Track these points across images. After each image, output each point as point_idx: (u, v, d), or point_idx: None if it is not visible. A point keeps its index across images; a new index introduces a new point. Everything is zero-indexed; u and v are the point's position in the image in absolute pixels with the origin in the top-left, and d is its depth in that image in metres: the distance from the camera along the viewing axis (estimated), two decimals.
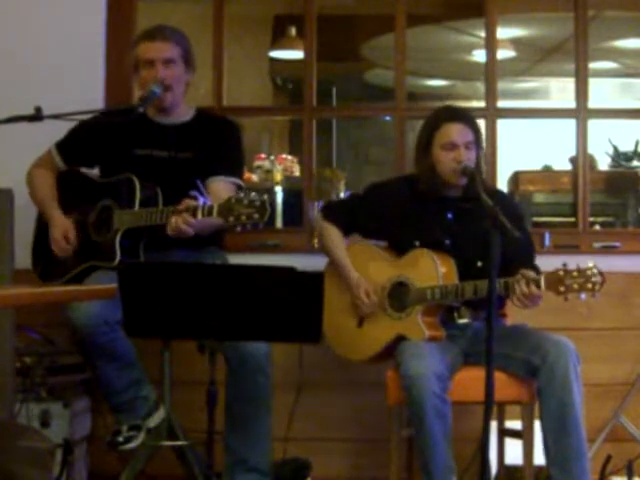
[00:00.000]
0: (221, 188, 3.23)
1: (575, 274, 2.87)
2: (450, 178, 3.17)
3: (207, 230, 3.13)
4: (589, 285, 2.86)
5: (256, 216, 2.71)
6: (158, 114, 3.37)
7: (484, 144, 3.32)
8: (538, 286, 2.92)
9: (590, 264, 2.88)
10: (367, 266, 3.27)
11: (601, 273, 2.86)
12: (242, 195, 2.74)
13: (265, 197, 2.74)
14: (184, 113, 3.42)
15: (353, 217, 3.36)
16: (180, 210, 2.91)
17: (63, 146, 3.48)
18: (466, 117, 3.23)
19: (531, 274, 2.98)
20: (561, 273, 2.88)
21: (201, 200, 2.87)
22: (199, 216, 2.86)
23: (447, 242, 3.20)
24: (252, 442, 3.17)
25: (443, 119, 3.21)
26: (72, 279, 3.28)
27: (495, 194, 3.15)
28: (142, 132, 3.37)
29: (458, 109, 3.33)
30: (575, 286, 2.86)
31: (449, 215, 3.24)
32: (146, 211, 3.11)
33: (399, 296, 3.18)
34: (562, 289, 2.87)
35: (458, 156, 3.14)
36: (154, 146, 3.34)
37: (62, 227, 3.30)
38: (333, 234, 3.34)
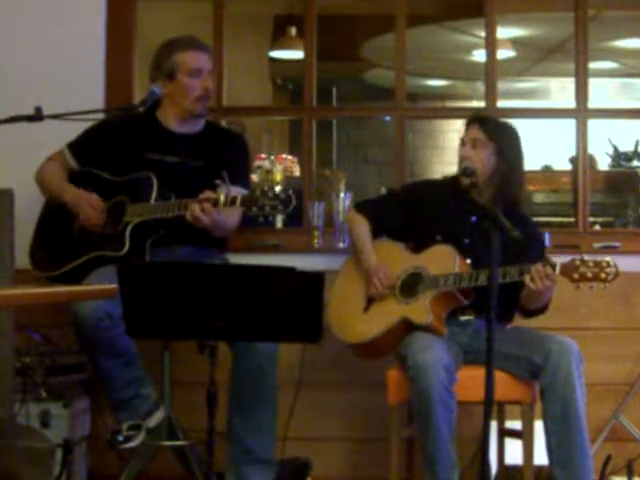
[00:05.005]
0: None
1: (591, 264, 2.92)
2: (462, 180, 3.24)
3: (223, 225, 3.17)
4: (602, 275, 2.90)
5: (280, 207, 2.87)
6: (172, 122, 3.39)
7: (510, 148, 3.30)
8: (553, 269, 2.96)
9: (607, 257, 2.93)
10: (386, 260, 3.27)
11: (616, 266, 2.90)
12: (267, 189, 2.89)
13: (290, 191, 2.90)
14: (196, 123, 3.43)
15: (384, 214, 3.39)
16: (201, 200, 3.00)
17: (77, 146, 3.47)
18: (479, 119, 3.28)
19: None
20: (577, 262, 2.93)
21: (225, 189, 2.96)
22: (221, 206, 2.97)
23: (466, 241, 3.22)
24: (258, 432, 3.17)
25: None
26: (75, 270, 3.27)
27: (515, 212, 3.17)
28: (155, 137, 3.38)
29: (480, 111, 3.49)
30: (589, 275, 2.91)
31: (473, 218, 3.25)
32: (160, 204, 3.16)
33: (412, 284, 3.19)
34: (576, 276, 2.92)
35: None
36: (166, 152, 3.36)
37: (86, 199, 3.29)
38: (362, 225, 3.37)
